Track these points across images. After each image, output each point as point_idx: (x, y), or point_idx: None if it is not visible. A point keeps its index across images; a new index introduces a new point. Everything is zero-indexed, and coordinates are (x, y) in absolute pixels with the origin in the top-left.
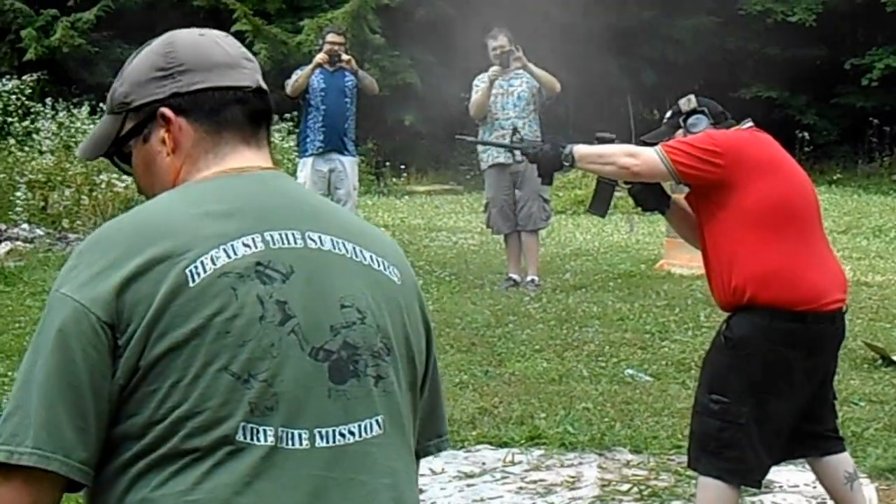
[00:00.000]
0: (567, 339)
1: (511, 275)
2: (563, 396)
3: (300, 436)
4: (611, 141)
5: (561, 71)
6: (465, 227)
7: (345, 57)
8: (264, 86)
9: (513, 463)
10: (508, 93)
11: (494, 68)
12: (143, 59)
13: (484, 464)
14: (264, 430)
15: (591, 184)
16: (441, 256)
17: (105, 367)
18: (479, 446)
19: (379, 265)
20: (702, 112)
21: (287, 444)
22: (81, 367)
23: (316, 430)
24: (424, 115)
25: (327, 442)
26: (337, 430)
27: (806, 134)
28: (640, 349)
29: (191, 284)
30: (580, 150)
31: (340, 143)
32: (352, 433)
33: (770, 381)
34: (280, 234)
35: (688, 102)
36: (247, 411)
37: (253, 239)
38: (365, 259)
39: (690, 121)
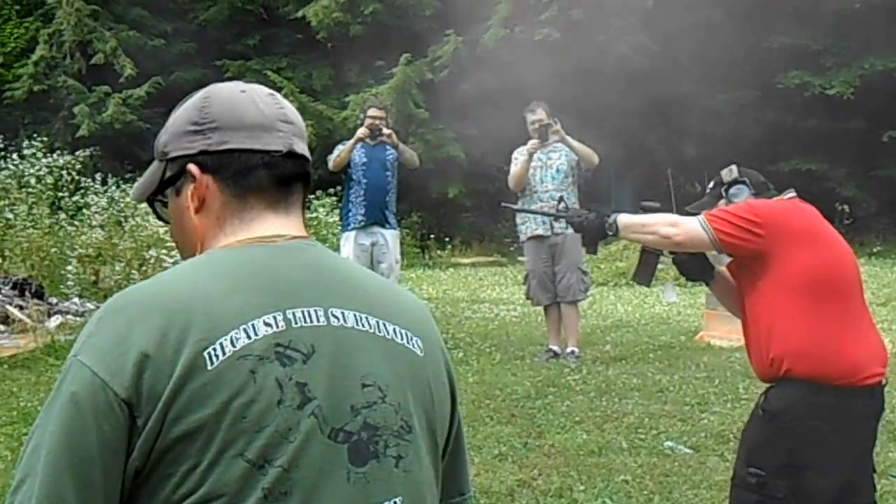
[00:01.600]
0: (606, 411)
1: (551, 346)
2: (602, 469)
3: None
4: (655, 210)
5: (601, 144)
6: (507, 299)
7: (385, 131)
8: (300, 150)
9: None
10: (547, 165)
11: (533, 141)
12: (183, 111)
13: None
14: None
15: (634, 256)
16: (482, 328)
17: (119, 444)
18: None
19: (402, 338)
20: (743, 182)
21: None
22: (93, 442)
23: None
24: (468, 187)
25: None
26: None
27: (846, 206)
28: (680, 421)
29: (209, 367)
30: (624, 219)
31: (382, 216)
32: None
33: (807, 455)
34: (303, 312)
35: (729, 173)
36: (260, 497)
37: (275, 318)
38: (388, 333)
39: (732, 191)
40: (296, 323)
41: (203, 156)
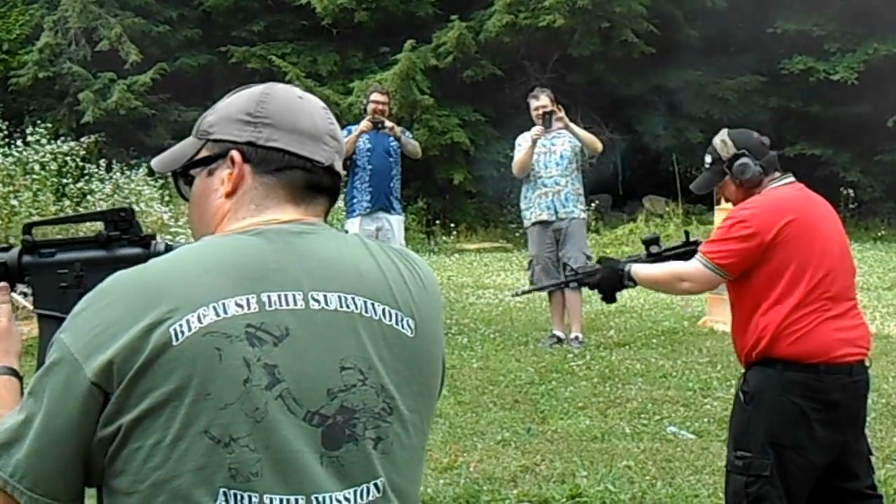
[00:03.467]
0: (610, 397)
1: (555, 332)
2: (604, 454)
3: (292, 502)
4: (655, 241)
5: (607, 130)
6: (512, 285)
7: (388, 124)
8: (338, 167)
9: None
10: (551, 151)
11: (536, 128)
12: (239, 98)
13: None
14: (248, 497)
15: (637, 241)
16: (487, 314)
17: (92, 421)
18: None
19: (391, 319)
20: (742, 155)
21: None
22: (71, 417)
23: (313, 496)
24: (473, 173)
25: None
26: (332, 496)
27: (850, 191)
28: (683, 406)
29: (174, 343)
30: (638, 270)
31: (387, 202)
32: (347, 499)
33: (786, 433)
34: (279, 296)
35: (724, 146)
36: (227, 476)
37: (248, 299)
38: (375, 314)
39: (736, 168)
40: (270, 306)
41: (248, 146)
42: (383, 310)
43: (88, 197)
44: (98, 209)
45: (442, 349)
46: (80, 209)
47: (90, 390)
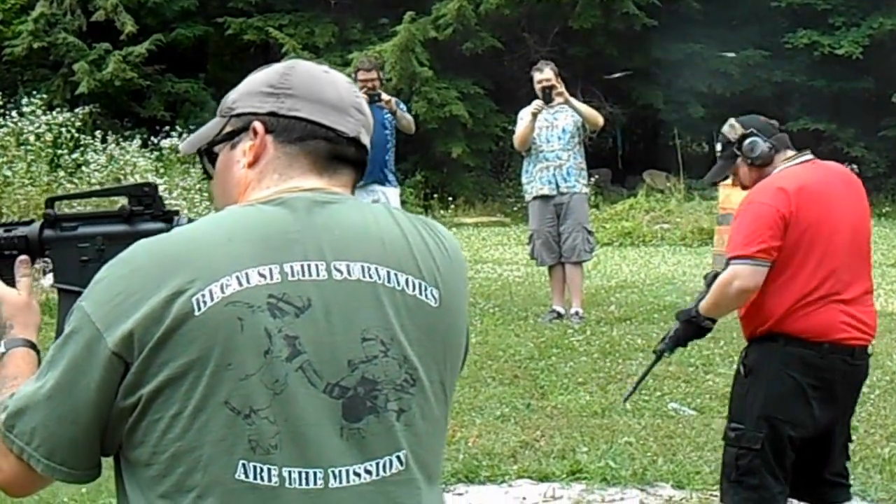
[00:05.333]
0: (610, 372)
1: (555, 307)
2: (605, 430)
3: (311, 475)
4: (715, 276)
5: (608, 104)
6: (510, 259)
7: (384, 97)
8: (364, 141)
9: (553, 498)
10: (553, 125)
11: (537, 102)
12: (262, 74)
13: (525, 498)
14: (268, 469)
15: (638, 216)
16: (486, 288)
17: (112, 390)
18: (519, 481)
19: (414, 289)
20: (750, 134)
21: (295, 484)
22: (90, 386)
23: (330, 470)
24: (472, 146)
25: (341, 482)
26: (352, 469)
27: (854, 166)
28: (684, 382)
29: (196, 313)
30: (705, 307)
31: (381, 174)
32: (368, 472)
33: (784, 407)
34: (302, 266)
35: (732, 129)
36: (247, 449)
37: (270, 269)
38: (399, 284)
39: (746, 147)
40: (293, 276)
41: (271, 117)
42: (407, 280)
43: (83, 168)
44: (93, 181)
45: (466, 320)
46: (75, 181)
47: (110, 360)
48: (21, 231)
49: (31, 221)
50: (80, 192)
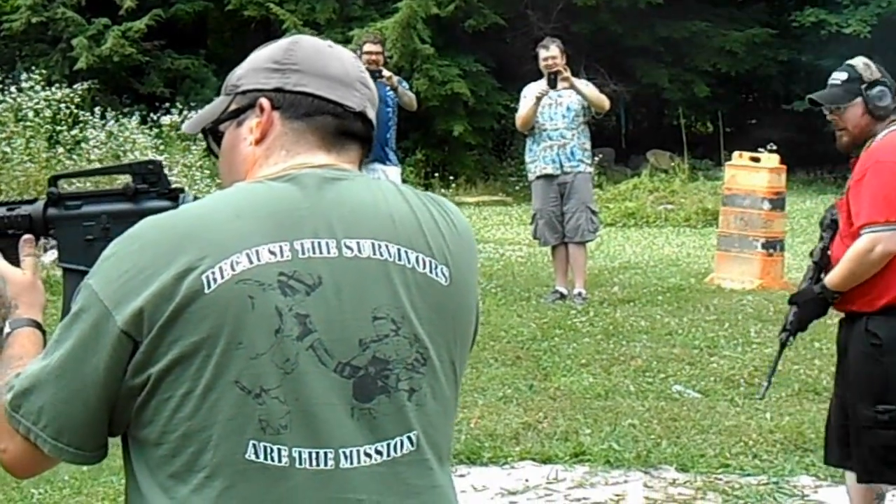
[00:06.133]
0: (614, 354)
1: (558, 287)
2: (608, 412)
3: (321, 456)
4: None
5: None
6: (513, 239)
7: (385, 73)
8: (370, 115)
9: (556, 480)
10: (557, 104)
11: (542, 87)
12: (266, 50)
13: (527, 480)
14: (278, 450)
15: (641, 196)
16: (488, 269)
17: (120, 369)
18: (522, 462)
19: (425, 267)
20: (884, 84)
21: (305, 464)
22: (98, 365)
23: (341, 451)
24: (474, 125)
25: (352, 463)
26: (362, 450)
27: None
28: (689, 365)
29: (206, 291)
30: (829, 279)
31: (382, 152)
32: (379, 453)
33: None
34: (312, 243)
35: (868, 69)
36: (257, 429)
37: (280, 247)
38: (409, 262)
39: (876, 92)
40: (303, 254)
41: (277, 93)
42: (417, 258)
43: (82, 144)
44: (93, 157)
45: (476, 298)
46: (74, 157)
47: (119, 339)
48: (24, 210)
49: (35, 200)
50: (84, 170)
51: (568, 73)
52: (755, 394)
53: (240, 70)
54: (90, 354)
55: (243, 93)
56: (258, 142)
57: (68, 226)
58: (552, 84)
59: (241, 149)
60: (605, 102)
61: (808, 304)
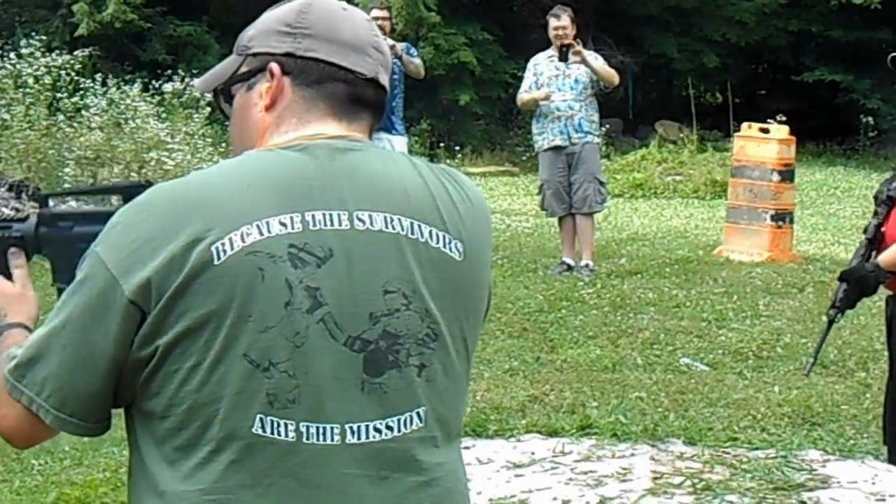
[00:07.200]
0: (621, 326)
1: (565, 259)
2: (615, 385)
3: (328, 431)
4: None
5: (620, 52)
6: (519, 210)
7: (389, 42)
8: (382, 81)
9: (563, 453)
10: (566, 75)
11: (544, 89)
12: (278, 11)
13: (533, 453)
14: (285, 424)
15: (650, 167)
16: (494, 240)
17: (127, 338)
18: (528, 435)
19: (438, 241)
20: None
21: (313, 439)
22: (105, 333)
23: (347, 426)
24: (480, 95)
25: (359, 438)
26: (371, 425)
27: (871, 119)
28: (697, 337)
29: (216, 262)
30: (884, 257)
31: (388, 122)
32: (389, 428)
33: None
34: (324, 215)
35: None
36: (265, 403)
37: (291, 218)
38: (422, 236)
39: None
40: (314, 225)
41: (287, 58)
42: (430, 232)
43: (83, 112)
44: (93, 125)
45: (489, 274)
46: (75, 124)
47: (127, 308)
48: (16, 230)
49: (27, 218)
50: (77, 189)
51: (580, 47)
52: (763, 367)
53: (252, 30)
54: (97, 323)
55: (254, 55)
56: (268, 108)
57: (61, 246)
58: (563, 57)
59: (251, 114)
60: (615, 77)
61: (859, 282)
